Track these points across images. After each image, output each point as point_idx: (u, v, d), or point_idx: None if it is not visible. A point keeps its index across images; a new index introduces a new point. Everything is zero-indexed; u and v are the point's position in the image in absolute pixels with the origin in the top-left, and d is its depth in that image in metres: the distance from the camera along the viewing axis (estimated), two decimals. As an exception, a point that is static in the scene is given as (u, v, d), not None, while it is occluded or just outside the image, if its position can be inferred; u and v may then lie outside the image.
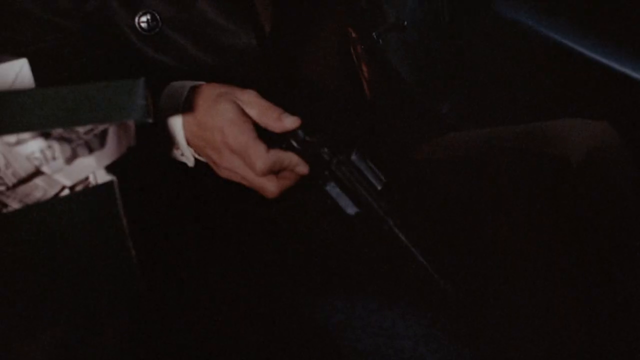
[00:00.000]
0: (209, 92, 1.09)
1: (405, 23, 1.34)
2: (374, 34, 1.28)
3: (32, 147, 0.82)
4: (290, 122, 1.06)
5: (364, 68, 1.26)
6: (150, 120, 0.85)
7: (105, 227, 0.86)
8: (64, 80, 0.98)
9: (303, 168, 1.07)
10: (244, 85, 1.14)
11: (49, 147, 0.83)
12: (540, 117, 1.27)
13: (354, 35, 1.25)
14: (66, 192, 0.85)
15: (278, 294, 1.21)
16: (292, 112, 1.07)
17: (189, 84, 1.11)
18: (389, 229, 1.08)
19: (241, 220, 1.22)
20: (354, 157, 1.08)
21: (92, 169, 0.86)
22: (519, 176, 1.18)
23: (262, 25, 1.19)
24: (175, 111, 1.09)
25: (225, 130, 1.05)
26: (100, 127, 0.85)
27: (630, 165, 1.16)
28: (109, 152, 0.87)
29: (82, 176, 0.85)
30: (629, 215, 1.14)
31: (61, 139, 0.83)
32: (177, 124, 1.09)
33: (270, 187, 1.07)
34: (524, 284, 1.18)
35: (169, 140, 1.11)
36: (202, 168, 1.13)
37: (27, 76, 0.87)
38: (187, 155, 1.12)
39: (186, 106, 1.08)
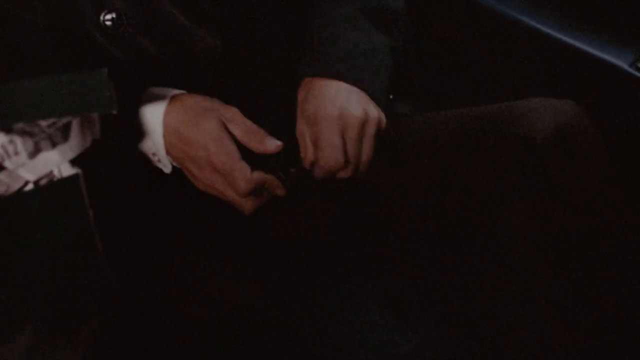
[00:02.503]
0: (192, 105, 1.09)
1: None
2: None
3: (-7, 142, 0.81)
4: (272, 146, 1.08)
5: None
6: (115, 112, 0.84)
7: (71, 221, 0.85)
8: (28, 74, 0.97)
9: (280, 191, 1.09)
10: (208, 86, 1.14)
11: (11, 141, 0.82)
12: (505, 98, 1.27)
13: None
14: (30, 186, 0.84)
15: (252, 284, 1.21)
16: (275, 136, 1.08)
17: (169, 92, 1.11)
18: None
19: (218, 212, 1.22)
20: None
21: (56, 162, 0.85)
22: (483, 157, 1.18)
23: (229, 28, 1.18)
24: (156, 119, 1.09)
25: (210, 149, 1.06)
26: (63, 120, 0.84)
27: (597, 143, 1.16)
28: (73, 145, 0.86)
29: (46, 170, 0.84)
30: (596, 192, 1.15)
31: (23, 133, 0.82)
32: (157, 132, 1.09)
33: (248, 205, 1.09)
34: (496, 266, 1.18)
35: (146, 147, 1.11)
36: (180, 173, 1.13)
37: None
38: (164, 163, 1.12)
39: (168, 117, 1.09)
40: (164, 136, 1.09)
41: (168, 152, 1.10)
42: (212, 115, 1.08)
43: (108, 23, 1.14)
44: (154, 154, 1.11)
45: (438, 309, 1.28)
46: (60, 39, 1.15)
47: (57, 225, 0.84)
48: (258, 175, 1.07)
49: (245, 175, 1.06)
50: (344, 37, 1.19)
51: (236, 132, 1.08)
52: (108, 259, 0.88)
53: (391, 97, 1.24)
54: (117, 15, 1.14)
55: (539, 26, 1.49)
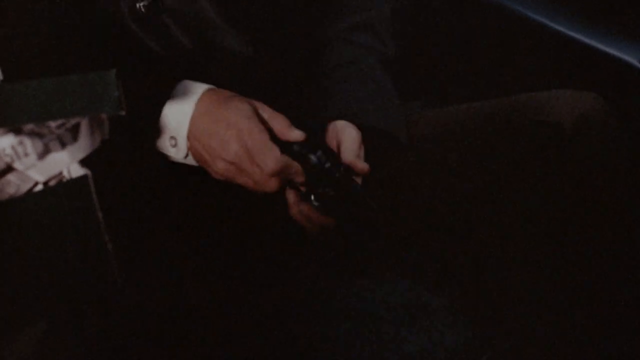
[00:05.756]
0: (220, 93, 1.14)
1: None
2: None
3: (2, 143, 0.81)
4: (296, 134, 1.12)
5: None
6: (123, 113, 0.84)
7: (81, 221, 0.85)
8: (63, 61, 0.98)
9: (300, 177, 1.13)
10: (233, 89, 1.16)
11: (20, 143, 0.82)
12: (516, 93, 1.27)
13: None
14: (40, 187, 0.84)
15: (275, 277, 1.22)
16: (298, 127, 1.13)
17: (200, 86, 1.14)
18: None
19: (226, 207, 1.23)
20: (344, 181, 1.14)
21: (66, 163, 0.85)
22: (512, 145, 1.20)
23: (260, 35, 1.20)
24: (188, 102, 1.12)
25: (242, 126, 1.10)
26: (73, 121, 0.84)
27: (619, 133, 1.18)
28: (83, 146, 0.86)
29: (55, 171, 0.84)
30: (619, 181, 1.17)
31: (33, 134, 0.82)
32: (185, 114, 1.12)
33: (272, 184, 1.11)
34: (514, 251, 1.20)
35: (165, 130, 1.13)
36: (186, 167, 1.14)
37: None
38: (180, 147, 1.13)
39: (201, 101, 1.12)
40: (192, 117, 1.11)
41: (190, 134, 1.12)
42: (240, 98, 1.12)
43: (143, 9, 1.15)
44: (172, 137, 1.13)
45: (450, 298, 1.28)
46: (95, 28, 1.16)
47: (66, 226, 0.84)
48: (285, 157, 1.11)
49: (275, 154, 1.10)
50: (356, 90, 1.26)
51: (265, 115, 1.12)
52: (117, 260, 0.88)
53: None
54: (152, 2, 1.16)
55: (548, 22, 1.49)
